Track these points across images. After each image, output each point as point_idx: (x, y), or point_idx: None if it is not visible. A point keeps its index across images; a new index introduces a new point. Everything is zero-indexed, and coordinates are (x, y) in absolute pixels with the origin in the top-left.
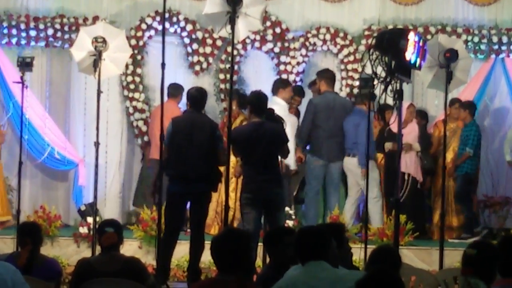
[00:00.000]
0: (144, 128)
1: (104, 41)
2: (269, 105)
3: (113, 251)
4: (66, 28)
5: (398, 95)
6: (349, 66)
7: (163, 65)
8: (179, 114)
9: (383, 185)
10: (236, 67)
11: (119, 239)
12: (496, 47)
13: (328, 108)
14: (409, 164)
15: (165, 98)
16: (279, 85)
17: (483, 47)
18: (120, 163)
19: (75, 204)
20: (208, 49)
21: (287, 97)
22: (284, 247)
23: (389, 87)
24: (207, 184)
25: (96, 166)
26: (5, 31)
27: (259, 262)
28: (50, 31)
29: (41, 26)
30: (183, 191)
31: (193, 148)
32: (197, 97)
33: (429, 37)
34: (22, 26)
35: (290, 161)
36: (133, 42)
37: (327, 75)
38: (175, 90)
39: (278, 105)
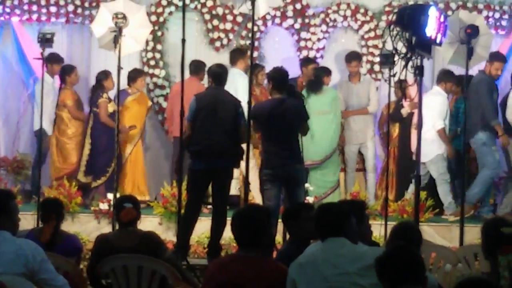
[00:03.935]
0: (164, 105)
1: (125, 17)
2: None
3: (131, 227)
4: (86, 4)
5: (419, 71)
6: (370, 42)
7: (183, 41)
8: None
9: (397, 159)
10: (256, 43)
11: (137, 215)
12: None
13: None
14: None
15: (187, 74)
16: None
17: (504, 23)
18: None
19: None
20: (228, 25)
21: None
22: (302, 222)
23: (410, 63)
24: (229, 161)
25: (117, 142)
26: (26, 7)
27: (279, 238)
28: (70, 7)
29: (62, 2)
30: (206, 168)
31: (217, 124)
32: (220, 73)
33: (449, 13)
34: (43, 2)
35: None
36: (154, 18)
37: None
38: (197, 67)
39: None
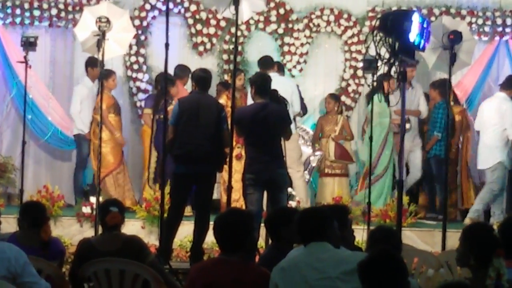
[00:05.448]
0: None
1: (108, 21)
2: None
3: (115, 231)
4: (70, 8)
5: (402, 76)
6: (353, 48)
7: (166, 45)
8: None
9: None
10: (239, 48)
11: (122, 219)
12: (500, 29)
13: None
14: None
15: None
16: None
17: (487, 29)
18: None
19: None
20: (212, 30)
21: None
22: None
23: (393, 69)
24: (212, 165)
25: (100, 146)
26: (9, 10)
27: (261, 242)
28: (54, 11)
29: (45, 6)
30: (189, 173)
31: (200, 128)
32: (204, 77)
33: (433, 18)
34: (26, 6)
35: None
36: (137, 22)
37: None
38: (182, 71)
39: None
